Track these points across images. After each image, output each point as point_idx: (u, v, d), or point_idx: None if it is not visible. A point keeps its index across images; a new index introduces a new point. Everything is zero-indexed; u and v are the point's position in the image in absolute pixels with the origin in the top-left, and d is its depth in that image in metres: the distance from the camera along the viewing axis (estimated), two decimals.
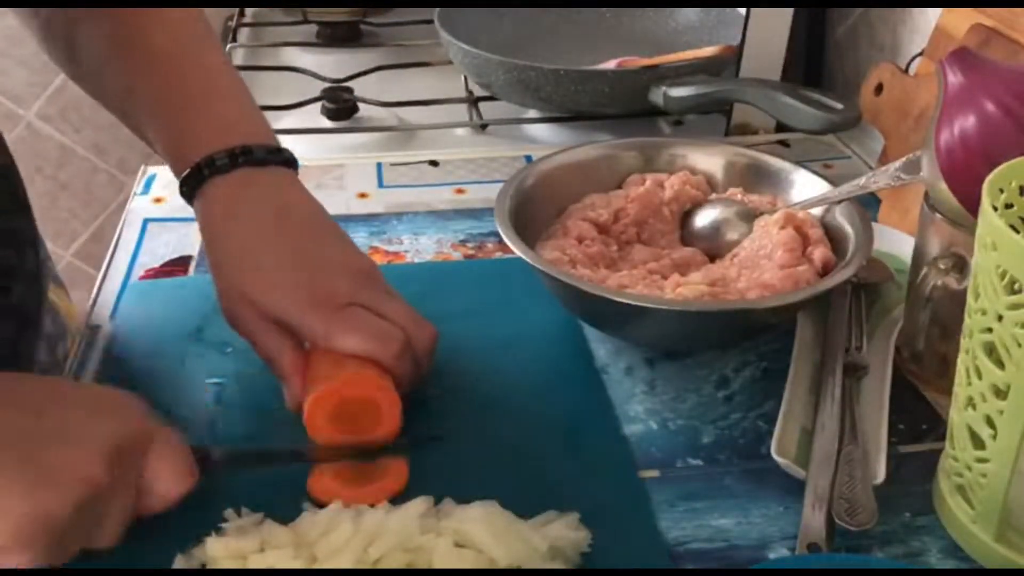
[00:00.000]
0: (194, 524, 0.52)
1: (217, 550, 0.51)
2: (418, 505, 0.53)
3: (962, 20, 0.78)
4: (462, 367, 0.66)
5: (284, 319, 0.59)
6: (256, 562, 0.50)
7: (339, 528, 0.51)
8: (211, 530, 0.52)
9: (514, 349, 0.69)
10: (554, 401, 0.64)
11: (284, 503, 0.54)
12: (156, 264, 0.79)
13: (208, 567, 0.51)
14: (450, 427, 0.61)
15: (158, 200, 0.88)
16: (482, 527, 0.50)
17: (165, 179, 0.90)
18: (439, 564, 0.49)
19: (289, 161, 0.65)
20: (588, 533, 0.53)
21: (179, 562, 0.51)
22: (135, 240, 0.83)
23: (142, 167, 0.93)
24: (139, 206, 0.87)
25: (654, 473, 0.59)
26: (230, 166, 0.62)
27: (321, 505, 0.54)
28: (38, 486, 0.46)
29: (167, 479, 0.52)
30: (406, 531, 0.50)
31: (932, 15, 0.89)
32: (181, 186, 0.64)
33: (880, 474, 0.56)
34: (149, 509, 0.52)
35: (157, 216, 0.85)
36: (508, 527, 0.51)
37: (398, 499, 0.54)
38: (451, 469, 0.57)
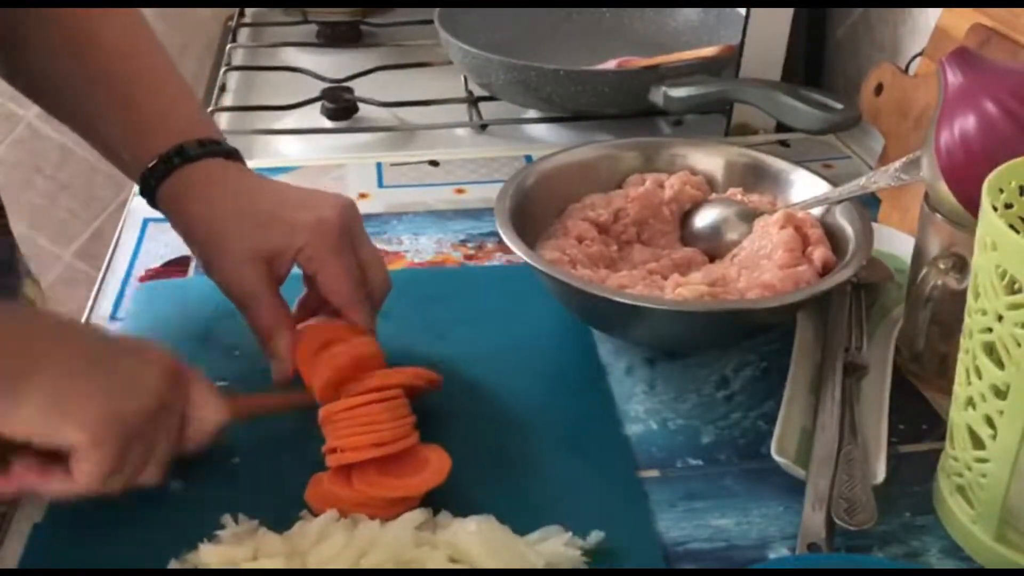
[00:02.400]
0: (191, 527, 0.53)
1: (211, 557, 0.51)
2: (414, 517, 0.52)
3: (962, 20, 0.78)
4: (467, 372, 0.66)
5: (291, 248, 0.60)
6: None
7: (332, 538, 0.51)
8: (207, 535, 0.52)
9: (520, 353, 0.69)
10: (560, 405, 0.64)
11: (282, 508, 0.54)
12: (156, 264, 0.79)
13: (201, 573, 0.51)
14: (455, 428, 0.61)
15: None
16: (477, 542, 0.50)
17: None
18: None
19: (243, 161, 0.67)
20: (582, 554, 0.52)
21: (173, 566, 0.52)
22: (135, 240, 0.83)
23: None
24: (139, 206, 0.87)
25: (654, 473, 0.59)
26: (201, 155, 0.63)
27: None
28: (115, 391, 0.51)
29: (210, 409, 0.55)
30: (400, 543, 0.50)
31: (932, 15, 0.88)
32: (145, 179, 0.64)
33: (880, 474, 0.56)
34: (191, 440, 0.55)
35: (157, 216, 0.84)
36: (504, 543, 0.51)
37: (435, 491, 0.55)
38: (455, 469, 0.57)
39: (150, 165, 0.64)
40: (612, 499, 0.57)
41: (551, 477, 0.58)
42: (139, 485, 0.53)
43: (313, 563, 0.50)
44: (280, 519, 0.53)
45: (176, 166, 0.63)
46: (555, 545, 0.52)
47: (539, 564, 0.50)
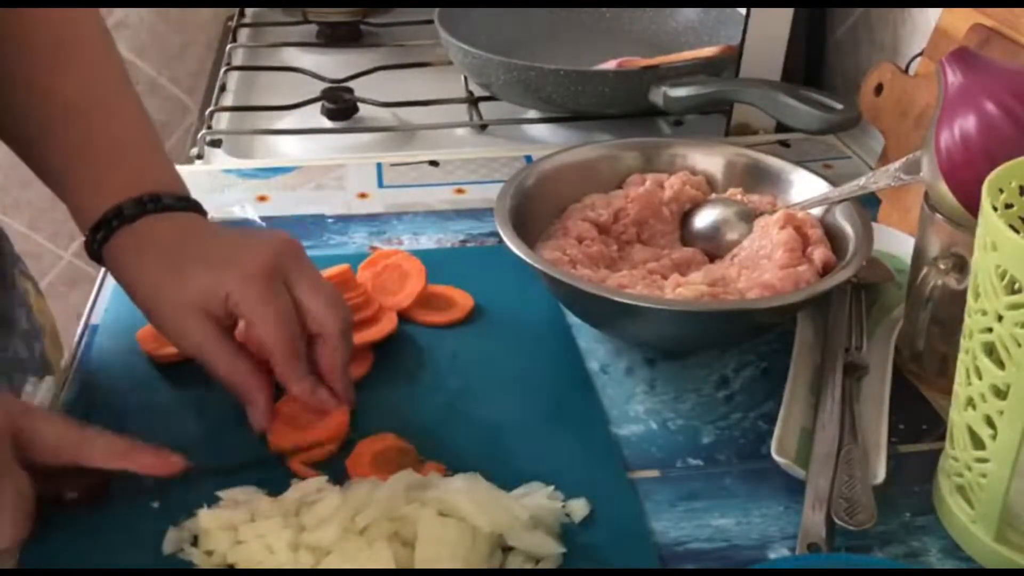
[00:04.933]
0: (186, 502, 0.54)
1: (208, 521, 0.52)
2: (404, 478, 0.54)
3: (962, 20, 0.78)
4: (447, 364, 0.67)
5: (223, 298, 0.58)
6: (246, 532, 0.51)
7: (327, 499, 0.52)
8: (202, 504, 0.53)
9: (504, 344, 0.69)
10: (541, 393, 0.65)
11: (273, 479, 0.56)
12: None
13: (200, 538, 0.53)
14: (435, 422, 0.62)
15: None
16: (465, 497, 0.52)
17: None
18: (424, 532, 0.50)
19: (197, 208, 0.64)
20: (562, 505, 0.55)
21: (171, 534, 0.53)
22: None
23: None
24: None
25: (654, 473, 0.59)
26: (138, 214, 0.61)
27: (281, 455, 0.58)
28: None
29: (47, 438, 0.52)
30: (392, 501, 0.52)
31: (932, 15, 0.89)
32: (89, 242, 0.62)
33: (880, 474, 0.56)
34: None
35: None
36: (490, 497, 0.52)
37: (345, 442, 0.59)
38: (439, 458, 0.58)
39: (90, 228, 0.62)
40: (600, 495, 0.57)
41: (536, 469, 0.58)
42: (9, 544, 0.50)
43: (309, 522, 0.51)
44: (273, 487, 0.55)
45: (114, 228, 0.61)
46: (538, 498, 0.54)
47: (524, 516, 0.52)
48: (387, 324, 0.68)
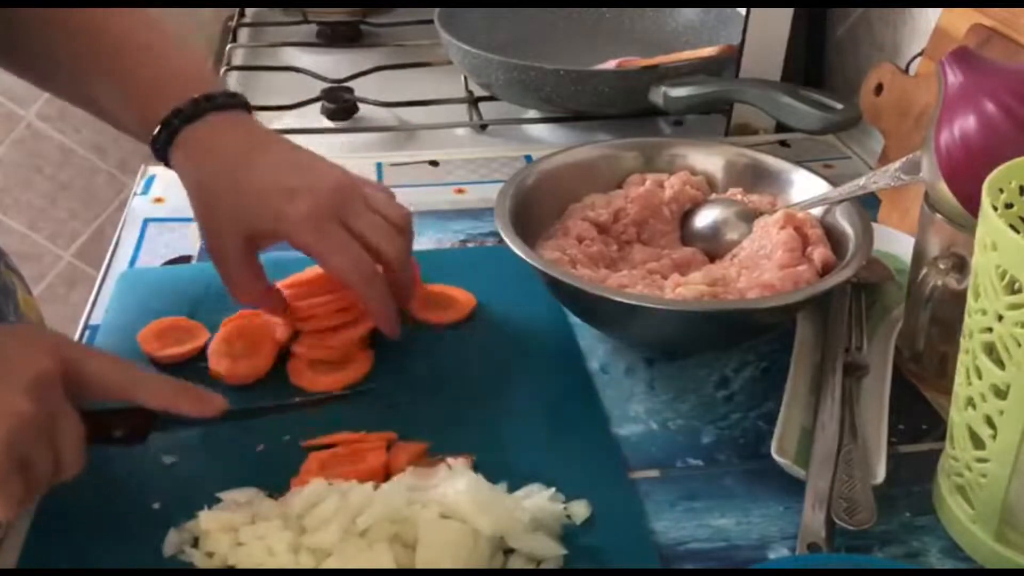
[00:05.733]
0: (187, 503, 0.54)
1: (209, 523, 0.52)
2: (405, 479, 0.54)
3: (962, 20, 0.78)
4: (447, 364, 0.67)
5: (275, 234, 0.62)
6: (247, 534, 0.51)
7: (327, 500, 0.52)
8: (203, 506, 0.53)
9: (503, 345, 0.69)
10: (542, 393, 0.65)
11: (274, 480, 0.56)
12: (156, 264, 0.79)
13: (200, 540, 0.53)
14: (434, 422, 0.62)
15: (158, 200, 0.88)
16: (466, 499, 0.52)
17: (165, 179, 0.90)
18: (425, 534, 0.50)
19: (246, 104, 0.67)
20: (563, 506, 0.55)
21: (171, 535, 0.53)
22: (135, 240, 0.83)
23: (142, 167, 0.93)
24: (139, 206, 0.87)
25: (654, 473, 0.59)
26: (197, 113, 0.64)
27: (304, 391, 0.64)
28: None
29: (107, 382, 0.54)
30: (393, 503, 0.52)
31: (932, 15, 0.88)
32: (155, 146, 0.65)
33: (880, 474, 0.56)
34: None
35: (157, 216, 0.86)
36: (491, 498, 0.52)
37: (362, 385, 0.64)
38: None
39: (155, 133, 0.64)
40: (600, 495, 0.57)
41: (537, 471, 0.58)
42: (64, 480, 0.52)
43: (310, 524, 0.51)
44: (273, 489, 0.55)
45: (177, 128, 0.63)
46: (540, 500, 0.54)
47: (525, 519, 0.52)
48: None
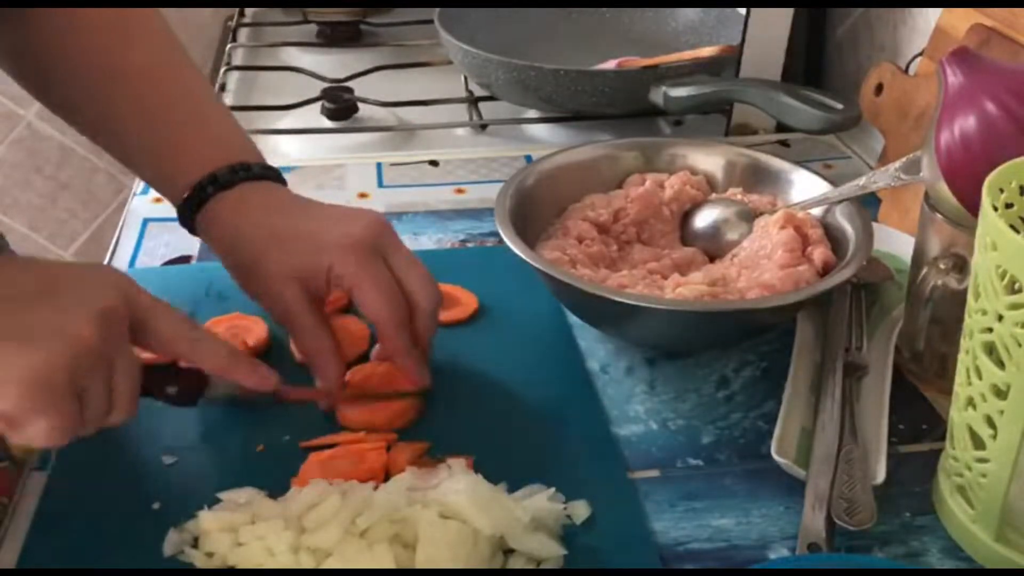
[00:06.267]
0: (187, 503, 0.54)
1: (209, 522, 0.52)
2: (405, 479, 0.54)
3: (962, 20, 0.78)
4: (447, 364, 0.67)
5: (319, 267, 0.59)
6: (247, 534, 0.51)
7: (327, 501, 0.52)
8: (202, 506, 0.53)
9: (503, 344, 0.69)
10: (542, 393, 0.65)
11: (274, 480, 0.56)
12: (156, 264, 0.79)
13: (200, 540, 0.53)
14: (434, 422, 0.62)
15: (158, 200, 0.88)
16: (466, 498, 0.52)
17: None
18: (425, 534, 0.50)
19: (280, 176, 0.67)
20: (564, 507, 0.55)
21: (171, 535, 0.53)
22: (135, 240, 0.83)
23: None
24: (139, 206, 0.87)
25: (654, 473, 0.59)
26: (233, 181, 0.63)
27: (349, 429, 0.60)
28: (27, 347, 0.47)
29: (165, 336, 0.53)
30: (393, 503, 0.52)
31: (932, 15, 0.88)
32: (181, 209, 0.64)
33: (880, 474, 0.56)
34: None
35: (157, 216, 0.85)
36: (491, 498, 0.52)
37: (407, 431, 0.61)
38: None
39: (185, 196, 0.63)
40: (601, 495, 0.57)
41: (537, 471, 0.58)
42: (114, 423, 0.52)
43: (310, 524, 0.51)
44: (273, 489, 0.55)
45: (209, 195, 0.63)
46: (540, 500, 0.54)
47: (525, 519, 0.52)
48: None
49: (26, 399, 0.46)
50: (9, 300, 0.49)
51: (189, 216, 0.64)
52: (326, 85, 1.08)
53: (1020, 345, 0.46)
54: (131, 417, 0.52)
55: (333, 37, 1.29)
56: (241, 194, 0.63)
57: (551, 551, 0.52)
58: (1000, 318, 0.47)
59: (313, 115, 1.04)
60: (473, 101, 1.07)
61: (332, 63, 1.16)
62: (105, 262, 0.80)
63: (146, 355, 0.54)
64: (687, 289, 0.65)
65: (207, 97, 0.69)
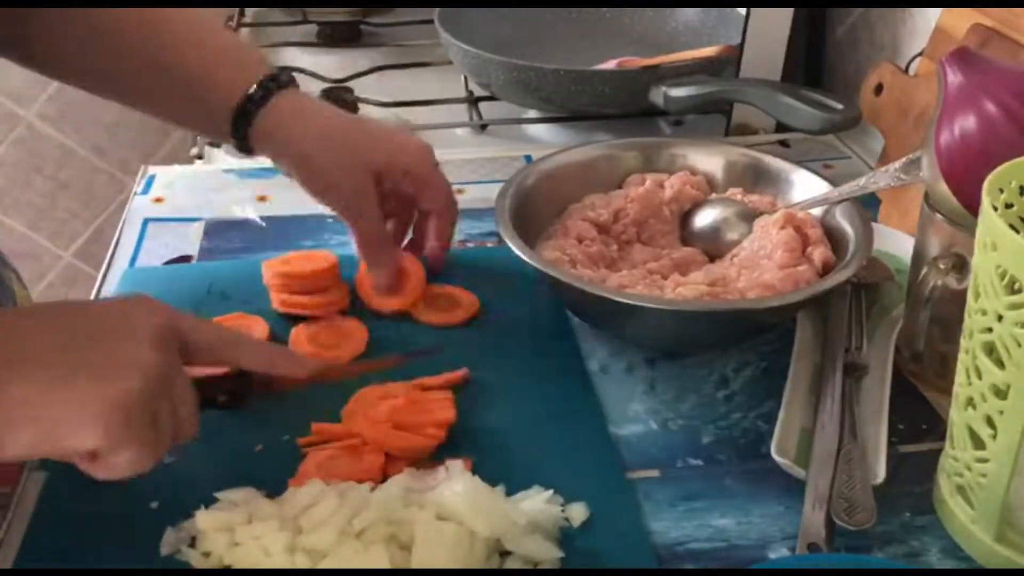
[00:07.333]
0: (185, 502, 0.54)
1: (206, 522, 0.52)
2: (402, 480, 0.54)
3: (962, 20, 0.78)
4: (447, 364, 0.66)
5: (396, 165, 0.69)
6: (243, 533, 0.51)
7: (324, 501, 0.52)
8: (200, 505, 0.53)
9: (503, 344, 0.69)
10: (541, 393, 0.65)
11: (272, 480, 0.56)
12: (156, 264, 0.79)
13: (197, 539, 0.53)
14: None
15: (158, 200, 0.88)
16: (463, 500, 0.51)
17: (165, 179, 0.90)
18: (421, 535, 0.50)
19: (295, 83, 0.72)
20: (562, 509, 0.54)
21: (168, 535, 0.53)
22: (135, 240, 0.83)
23: (142, 167, 0.93)
24: (139, 206, 0.87)
25: (654, 473, 0.59)
26: (271, 90, 0.68)
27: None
28: (100, 384, 0.47)
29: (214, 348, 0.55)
30: (389, 504, 0.52)
31: (932, 15, 0.88)
32: (240, 115, 0.68)
33: (880, 474, 0.56)
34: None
35: (157, 216, 0.85)
36: (488, 501, 0.52)
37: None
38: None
39: (237, 103, 0.67)
40: (599, 495, 0.57)
41: (536, 472, 0.58)
42: (185, 440, 0.52)
43: (307, 525, 0.51)
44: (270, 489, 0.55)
45: (272, 91, 0.67)
46: (537, 502, 0.54)
47: (522, 521, 0.52)
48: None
49: (111, 433, 0.47)
50: (72, 343, 0.49)
51: (248, 121, 0.68)
52: (326, 85, 1.08)
53: (1020, 345, 0.46)
54: (195, 435, 0.53)
55: (333, 37, 1.29)
56: (289, 102, 0.68)
57: (547, 553, 0.52)
58: (1000, 318, 0.47)
59: None
60: (473, 101, 1.07)
61: (332, 63, 1.17)
62: (105, 262, 0.80)
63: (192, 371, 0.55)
64: (687, 289, 0.65)
65: (217, 23, 0.73)
